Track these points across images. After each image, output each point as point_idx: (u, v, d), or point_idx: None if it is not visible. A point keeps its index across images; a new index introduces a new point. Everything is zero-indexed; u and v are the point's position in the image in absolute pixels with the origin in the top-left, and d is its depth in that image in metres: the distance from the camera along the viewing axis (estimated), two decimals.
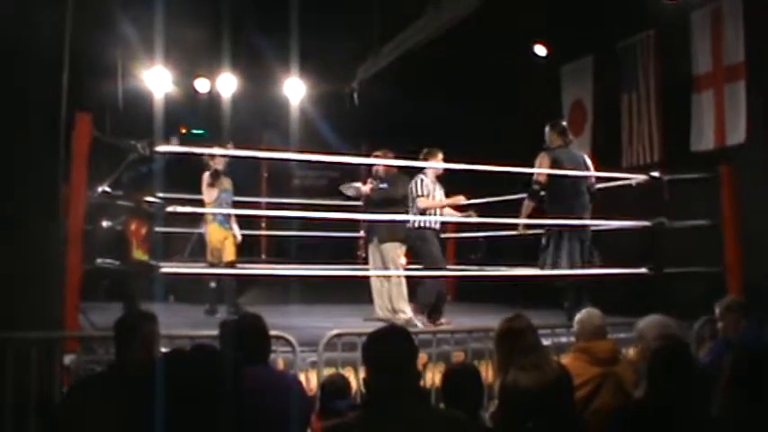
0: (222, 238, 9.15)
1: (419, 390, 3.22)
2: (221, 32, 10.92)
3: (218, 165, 9.09)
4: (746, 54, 8.80)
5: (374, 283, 8.75)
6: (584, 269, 7.73)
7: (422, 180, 8.39)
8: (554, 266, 7.76)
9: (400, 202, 8.49)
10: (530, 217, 7.95)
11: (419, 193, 8.34)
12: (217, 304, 9.18)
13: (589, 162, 8.25)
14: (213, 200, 9.08)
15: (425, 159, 8.36)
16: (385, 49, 11.53)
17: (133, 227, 8.11)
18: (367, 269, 8.86)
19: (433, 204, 8.38)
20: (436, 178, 8.53)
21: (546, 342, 5.89)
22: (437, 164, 8.33)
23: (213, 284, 9.29)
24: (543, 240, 7.95)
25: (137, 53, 11.11)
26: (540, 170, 7.87)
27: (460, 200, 8.55)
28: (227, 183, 9.30)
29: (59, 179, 5.59)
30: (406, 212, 8.47)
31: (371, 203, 8.70)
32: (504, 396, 4.20)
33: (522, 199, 8.09)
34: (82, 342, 5.60)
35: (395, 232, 8.48)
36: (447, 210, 8.67)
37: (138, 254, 8.05)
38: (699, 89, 9.43)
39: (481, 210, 8.97)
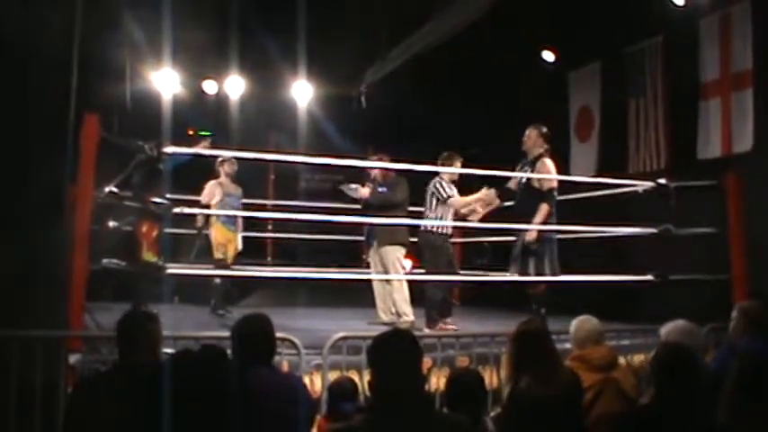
0: (226, 238, 9.30)
1: (423, 394, 3.22)
2: (229, 34, 10.94)
3: (228, 173, 9.26)
4: (754, 62, 8.80)
5: (376, 287, 8.76)
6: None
7: (441, 183, 8.40)
8: (540, 274, 7.75)
9: (399, 207, 8.50)
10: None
11: (449, 194, 8.35)
12: (222, 302, 9.30)
13: None
14: (216, 202, 9.27)
15: (444, 164, 8.37)
16: (393, 53, 11.54)
17: (144, 228, 8.15)
18: (370, 273, 8.86)
19: (466, 201, 8.38)
20: (452, 183, 8.53)
21: None
22: (439, 168, 8.31)
23: (218, 281, 9.40)
24: (521, 246, 7.92)
25: (145, 55, 11.14)
26: (553, 176, 7.84)
27: (492, 198, 8.40)
28: (232, 187, 9.46)
29: (66, 179, 5.61)
30: (405, 217, 8.48)
31: (369, 207, 8.69)
32: (513, 402, 4.21)
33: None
34: (87, 342, 5.62)
35: (394, 236, 8.48)
36: (462, 212, 8.60)
37: (148, 255, 8.08)
38: (706, 96, 9.42)
39: (488, 215, 8.94)
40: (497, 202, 8.40)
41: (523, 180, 7.92)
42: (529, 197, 7.85)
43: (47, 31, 5.45)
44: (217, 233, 9.32)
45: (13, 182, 5.28)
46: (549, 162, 7.84)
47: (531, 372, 4.22)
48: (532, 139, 7.96)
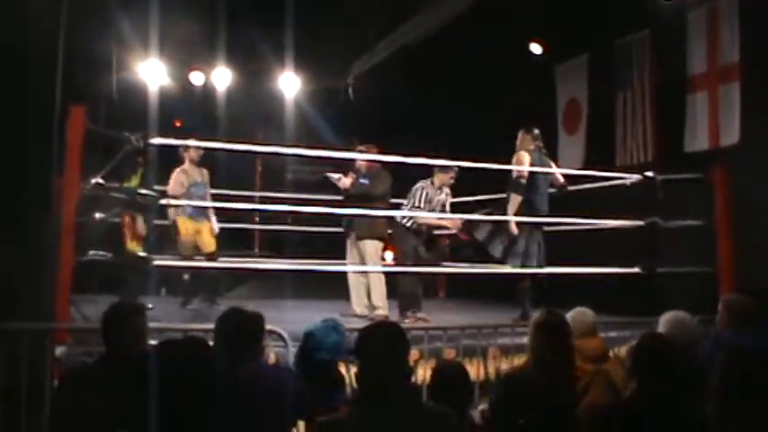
0: (193, 230, 8.93)
1: (410, 386, 3.22)
2: (217, 26, 10.90)
3: (192, 158, 9.04)
4: (741, 55, 8.82)
5: (351, 279, 8.75)
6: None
7: (423, 189, 8.43)
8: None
9: (379, 199, 8.48)
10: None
11: (418, 204, 8.42)
12: (191, 296, 9.14)
13: (554, 167, 8.42)
14: (181, 193, 8.88)
15: (438, 173, 8.44)
16: (380, 45, 11.53)
17: (126, 219, 8.07)
18: (354, 265, 8.79)
19: (428, 222, 8.45)
20: (445, 188, 8.59)
21: None
22: (429, 161, 8.26)
23: (186, 277, 9.30)
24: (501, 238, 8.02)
25: (132, 45, 11.08)
26: (523, 167, 7.93)
27: (455, 223, 8.54)
28: (197, 175, 9.10)
29: (53, 172, 5.58)
30: (385, 209, 8.51)
31: (350, 198, 8.66)
32: (515, 384, 4.24)
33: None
34: (73, 334, 5.60)
35: (373, 229, 8.49)
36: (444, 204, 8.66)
37: (132, 246, 8.02)
38: (693, 89, 9.44)
39: (473, 207, 8.96)
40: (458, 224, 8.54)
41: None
42: (508, 189, 8.08)
43: (33, 22, 5.42)
44: (182, 227, 8.93)
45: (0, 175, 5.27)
46: (522, 154, 8.01)
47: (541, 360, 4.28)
48: (520, 139, 8.19)
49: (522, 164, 7.95)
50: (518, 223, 7.86)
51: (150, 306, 7.86)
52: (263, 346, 4.19)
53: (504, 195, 8.23)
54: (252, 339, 4.00)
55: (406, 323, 7.84)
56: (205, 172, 9.25)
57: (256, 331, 4.07)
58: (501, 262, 8.05)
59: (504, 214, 7.93)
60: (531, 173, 7.94)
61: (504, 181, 8.21)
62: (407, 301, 8.32)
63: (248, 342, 3.97)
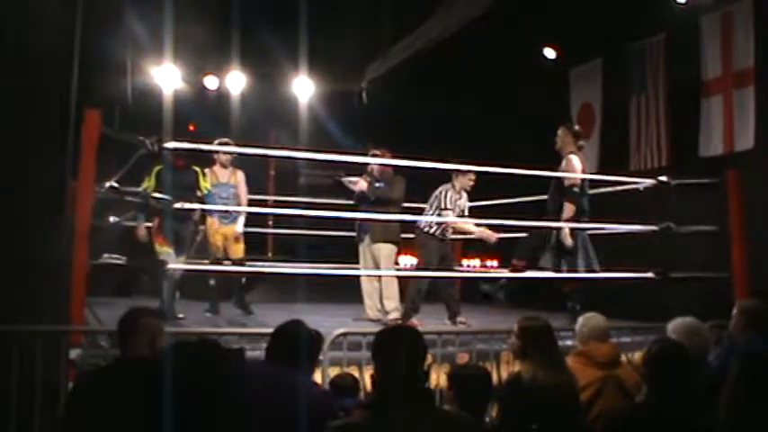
0: (222, 236, 8.78)
1: (426, 390, 3.22)
2: (231, 30, 10.95)
3: (221, 161, 8.86)
4: (756, 59, 8.80)
5: (364, 284, 8.73)
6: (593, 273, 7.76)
7: (447, 192, 8.38)
8: (576, 270, 7.73)
9: (395, 203, 8.51)
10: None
11: (446, 206, 8.33)
12: (218, 303, 8.93)
13: None
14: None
15: (456, 176, 8.41)
16: (394, 49, 11.53)
17: (155, 222, 8.00)
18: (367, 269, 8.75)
19: (460, 226, 8.41)
20: (463, 191, 8.52)
21: None
22: (443, 165, 8.25)
23: (212, 282, 9.01)
24: (555, 243, 7.89)
25: (146, 50, 11.14)
26: (576, 175, 7.72)
27: (490, 237, 8.41)
28: (224, 176, 8.88)
29: (68, 175, 5.61)
30: (399, 213, 8.50)
31: (365, 201, 8.61)
32: (516, 390, 4.23)
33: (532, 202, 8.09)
34: (88, 336, 5.62)
35: (389, 233, 8.47)
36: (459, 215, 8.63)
37: (159, 247, 7.93)
38: (708, 94, 9.43)
39: (492, 211, 8.93)
40: (494, 239, 8.44)
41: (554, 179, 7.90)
42: (557, 195, 7.84)
43: (49, 27, 5.45)
44: (210, 229, 8.78)
45: (15, 178, 5.29)
46: (573, 159, 7.76)
47: (537, 362, 4.27)
48: (562, 138, 7.95)
49: (576, 170, 7.70)
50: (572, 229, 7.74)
51: (181, 316, 7.95)
52: (317, 361, 4.21)
53: (515, 200, 8.19)
54: (307, 354, 4.02)
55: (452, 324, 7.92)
56: (239, 174, 9.00)
57: (314, 346, 4.10)
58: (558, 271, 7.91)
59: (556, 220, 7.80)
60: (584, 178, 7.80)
61: (514, 185, 8.16)
62: (454, 305, 8.41)
63: (304, 355, 3.99)
